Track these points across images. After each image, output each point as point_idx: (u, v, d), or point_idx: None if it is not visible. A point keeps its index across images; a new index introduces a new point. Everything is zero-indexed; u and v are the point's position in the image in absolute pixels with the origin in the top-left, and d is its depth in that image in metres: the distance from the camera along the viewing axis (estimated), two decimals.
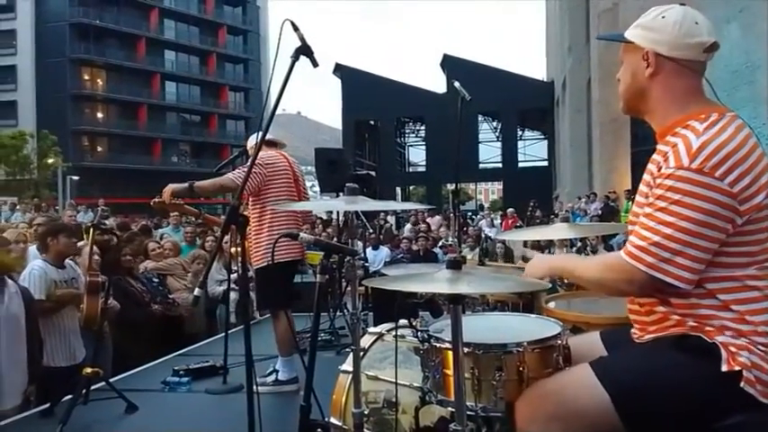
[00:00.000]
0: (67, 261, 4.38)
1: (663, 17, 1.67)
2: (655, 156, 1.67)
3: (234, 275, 5.17)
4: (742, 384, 1.52)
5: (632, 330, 1.79)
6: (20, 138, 34.41)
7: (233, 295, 5.84)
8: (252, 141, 4.32)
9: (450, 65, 33.09)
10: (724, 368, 1.54)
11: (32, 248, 5.26)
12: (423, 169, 39.36)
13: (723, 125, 1.59)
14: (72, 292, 4.23)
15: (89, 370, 3.70)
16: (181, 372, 4.41)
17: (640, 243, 1.58)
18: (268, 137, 3.51)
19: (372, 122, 38.30)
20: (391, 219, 16.76)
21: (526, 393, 1.75)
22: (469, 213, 20.22)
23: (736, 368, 1.53)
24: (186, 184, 3.90)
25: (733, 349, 1.55)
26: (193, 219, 8.08)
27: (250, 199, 4.09)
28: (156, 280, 5.96)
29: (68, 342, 4.22)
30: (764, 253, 1.60)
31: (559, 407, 1.65)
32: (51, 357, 4.11)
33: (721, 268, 1.59)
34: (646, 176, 1.68)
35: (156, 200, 3.90)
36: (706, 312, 1.60)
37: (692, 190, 1.52)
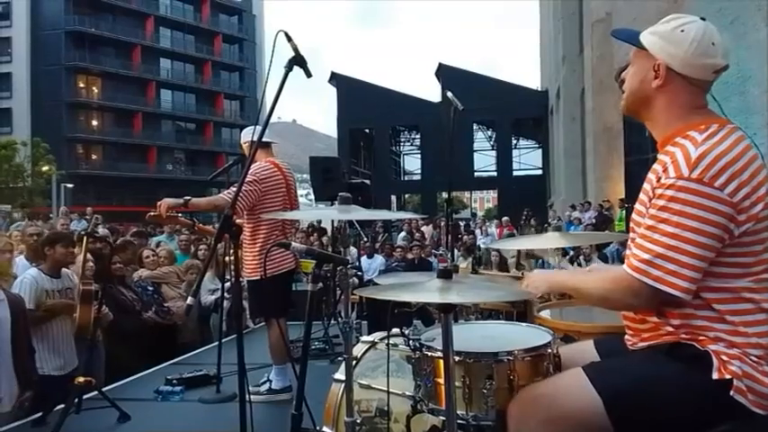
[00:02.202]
0: (64, 270, 4.35)
1: (682, 31, 1.65)
2: (655, 165, 1.67)
3: (227, 284, 5.17)
4: (731, 393, 1.53)
5: (626, 337, 1.80)
6: (11, 147, 34.25)
7: (225, 304, 5.84)
8: (246, 136, 4.31)
9: (445, 74, 33.20)
10: (715, 376, 1.55)
11: (18, 259, 5.20)
12: (418, 178, 39.41)
13: (722, 136, 1.59)
14: (63, 302, 4.20)
15: (81, 379, 3.68)
16: (174, 381, 4.39)
17: (645, 256, 1.57)
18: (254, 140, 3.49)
19: (367, 131, 38.35)
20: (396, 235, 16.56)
21: (518, 397, 1.76)
22: (462, 222, 20.19)
23: (727, 377, 1.54)
24: (182, 200, 3.91)
25: (725, 358, 1.56)
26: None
27: (245, 212, 4.08)
28: (150, 288, 5.95)
29: (58, 351, 4.19)
30: (759, 265, 1.60)
31: (551, 410, 1.66)
32: (40, 366, 4.06)
33: (717, 278, 1.59)
34: (646, 185, 1.68)
35: (152, 214, 3.90)
36: (701, 323, 1.61)
37: (694, 200, 1.53)
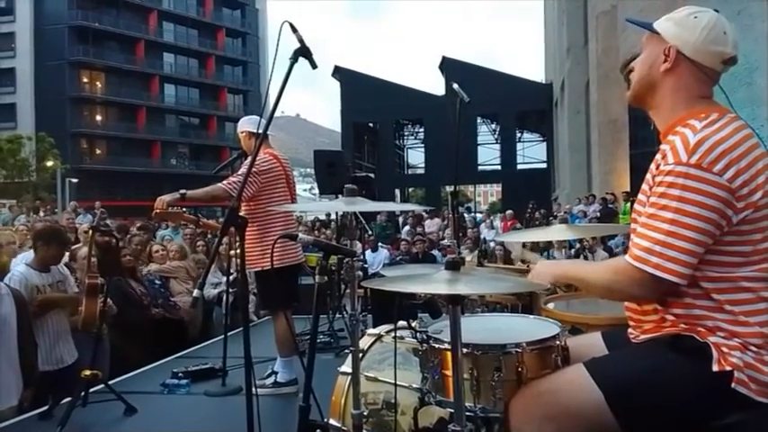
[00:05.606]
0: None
1: (695, 17, 1.67)
2: (656, 156, 1.67)
3: (231, 277, 5.16)
4: (733, 385, 1.53)
5: (629, 330, 1.79)
6: (16, 141, 34.37)
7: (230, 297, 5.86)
8: (243, 126, 4.28)
9: (449, 67, 33.13)
10: (715, 368, 1.54)
11: (21, 256, 5.17)
12: (422, 171, 39.39)
13: (722, 124, 1.59)
14: (57, 296, 4.16)
15: (88, 372, 3.68)
16: (180, 374, 4.40)
17: (645, 244, 1.57)
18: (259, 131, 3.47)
19: (371, 125, 38.33)
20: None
21: (520, 393, 1.75)
22: (466, 216, 20.19)
23: (727, 368, 1.53)
24: (178, 194, 3.83)
25: (725, 350, 1.55)
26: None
27: (242, 204, 4.06)
28: (158, 282, 5.96)
29: (53, 346, 4.14)
30: (758, 254, 1.59)
31: (554, 406, 1.65)
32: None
33: (716, 267, 1.58)
34: (647, 176, 1.68)
35: (157, 212, 3.87)
36: (700, 313, 1.60)
37: (693, 185, 1.52)
